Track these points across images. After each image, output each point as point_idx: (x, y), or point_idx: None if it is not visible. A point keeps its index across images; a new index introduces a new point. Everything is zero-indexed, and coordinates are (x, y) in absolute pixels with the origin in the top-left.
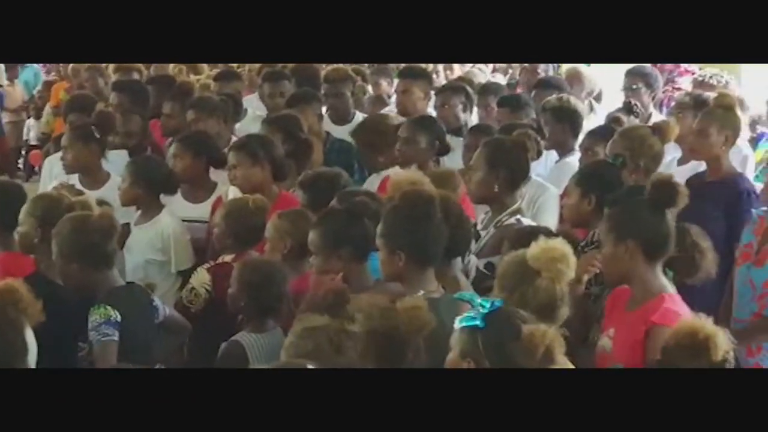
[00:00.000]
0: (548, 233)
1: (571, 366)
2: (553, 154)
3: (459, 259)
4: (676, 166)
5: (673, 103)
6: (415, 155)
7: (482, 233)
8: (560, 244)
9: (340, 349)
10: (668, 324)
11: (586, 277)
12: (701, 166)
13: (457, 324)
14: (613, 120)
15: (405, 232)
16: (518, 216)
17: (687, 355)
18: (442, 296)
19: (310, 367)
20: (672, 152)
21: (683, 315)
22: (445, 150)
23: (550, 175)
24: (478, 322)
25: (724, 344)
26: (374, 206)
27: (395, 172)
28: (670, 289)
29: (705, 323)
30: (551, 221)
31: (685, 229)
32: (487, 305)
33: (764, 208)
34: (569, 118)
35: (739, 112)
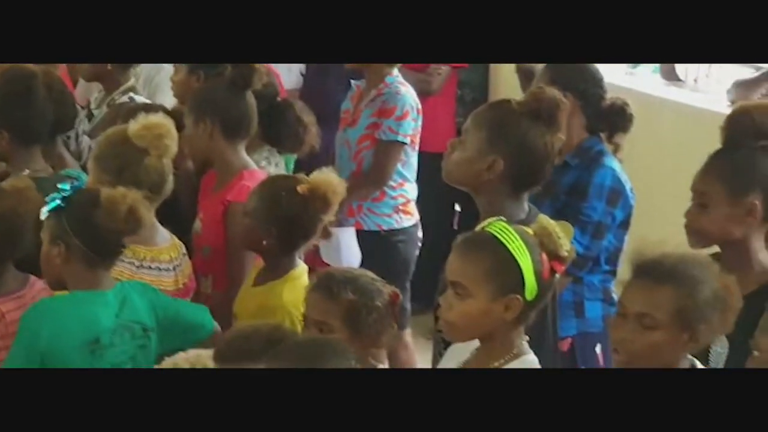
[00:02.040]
0: (161, 111)
1: None
2: None
3: (64, 136)
4: None
5: None
6: None
7: (95, 112)
8: (162, 120)
9: None
10: (242, 200)
11: None
12: None
13: (43, 214)
14: None
15: (7, 111)
16: (131, 94)
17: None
18: (50, 175)
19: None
20: None
21: None
22: None
23: None
24: (59, 203)
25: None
26: None
27: None
28: (252, 166)
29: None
30: (167, 100)
31: (289, 104)
32: (68, 187)
33: (363, 80)
34: None
35: None
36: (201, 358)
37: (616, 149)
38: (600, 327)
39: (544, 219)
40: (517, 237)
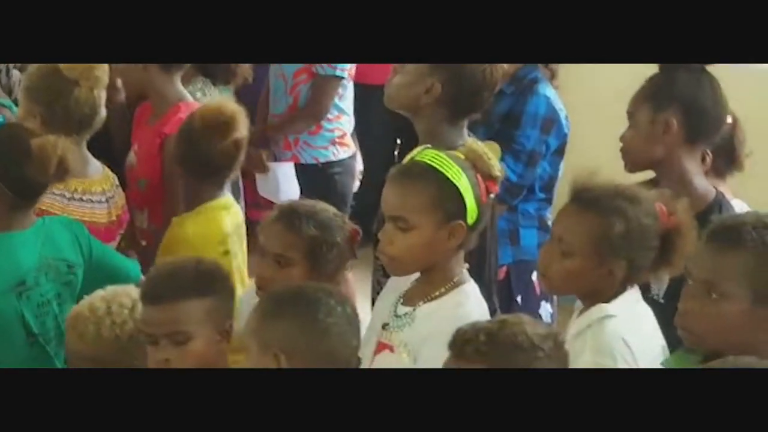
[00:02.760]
0: None
1: None
2: None
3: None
4: None
5: None
6: None
7: None
8: None
9: None
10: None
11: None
12: None
13: None
14: None
15: None
16: None
17: (212, 132)
18: None
19: None
20: None
21: None
22: None
23: None
24: None
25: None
26: None
27: None
28: (188, 98)
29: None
30: None
31: None
32: None
33: None
34: None
35: None
36: (117, 295)
37: (553, 76)
38: (535, 255)
39: (472, 141)
40: (452, 163)
